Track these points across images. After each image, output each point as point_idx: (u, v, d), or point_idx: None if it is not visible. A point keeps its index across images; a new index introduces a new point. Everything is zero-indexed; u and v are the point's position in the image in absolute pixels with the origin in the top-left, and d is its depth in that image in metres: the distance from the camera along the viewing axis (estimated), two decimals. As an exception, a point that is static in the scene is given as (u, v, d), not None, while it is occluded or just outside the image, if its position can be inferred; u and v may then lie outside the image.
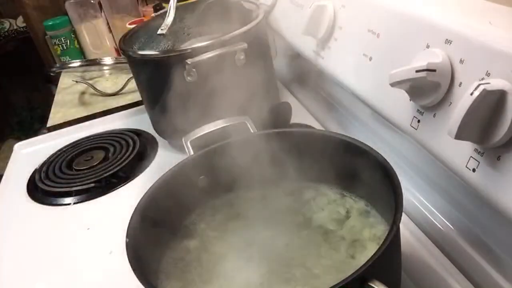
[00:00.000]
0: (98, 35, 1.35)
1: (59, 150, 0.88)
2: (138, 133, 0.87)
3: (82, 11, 1.33)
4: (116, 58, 1.16)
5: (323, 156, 0.50)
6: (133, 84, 1.03)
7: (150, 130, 0.84)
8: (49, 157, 0.86)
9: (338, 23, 0.61)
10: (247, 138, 0.54)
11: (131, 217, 0.44)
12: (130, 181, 0.75)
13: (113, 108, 1.02)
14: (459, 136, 0.36)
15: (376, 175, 0.44)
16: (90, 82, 1.12)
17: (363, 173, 0.47)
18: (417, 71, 0.41)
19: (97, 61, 1.17)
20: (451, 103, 0.41)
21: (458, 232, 0.52)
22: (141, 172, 0.77)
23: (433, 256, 0.50)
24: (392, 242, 0.36)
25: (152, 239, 0.46)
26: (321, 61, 0.66)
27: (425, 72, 0.40)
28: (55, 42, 1.36)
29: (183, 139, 0.56)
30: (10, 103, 2.60)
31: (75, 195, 0.74)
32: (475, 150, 0.38)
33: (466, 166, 0.40)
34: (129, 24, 1.17)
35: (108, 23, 1.32)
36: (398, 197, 0.39)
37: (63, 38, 1.35)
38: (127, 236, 0.42)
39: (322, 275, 0.44)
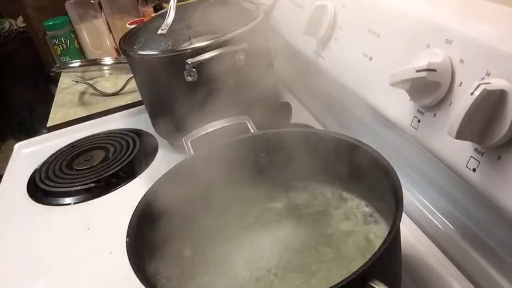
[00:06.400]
0: (98, 35, 1.35)
1: (59, 150, 0.88)
2: (138, 133, 0.87)
3: (82, 11, 1.33)
4: (116, 58, 1.16)
5: (323, 156, 0.50)
6: (133, 84, 1.03)
7: (150, 130, 0.84)
8: (49, 157, 0.86)
9: (338, 23, 0.61)
10: (247, 138, 0.54)
11: (131, 217, 0.44)
12: (130, 181, 0.75)
13: (113, 108, 1.02)
14: (459, 136, 0.36)
15: (377, 175, 0.44)
16: (90, 82, 1.12)
17: (363, 173, 0.47)
18: (417, 71, 0.41)
19: (97, 61, 1.17)
20: (451, 103, 0.41)
21: (458, 232, 0.52)
22: (141, 172, 0.77)
23: (433, 256, 0.50)
24: (392, 241, 0.36)
25: (152, 239, 0.46)
26: (321, 61, 0.66)
27: (425, 72, 0.40)
28: (55, 42, 1.36)
29: (183, 139, 0.56)
30: (10, 103, 2.60)
31: (75, 195, 0.74)
32: (476, 150, 0.38)
33: (467, 166, 0.40)
34: (129, 24, 1.17)
35: (108, 23, 1.32)
36: (398, 197, 0.39)
37: (63, 38, 1.35)
38: (127, 236, 0.42)
39: (321, 274, 0.44)
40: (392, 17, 0.51)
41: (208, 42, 0.67)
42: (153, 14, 1.11)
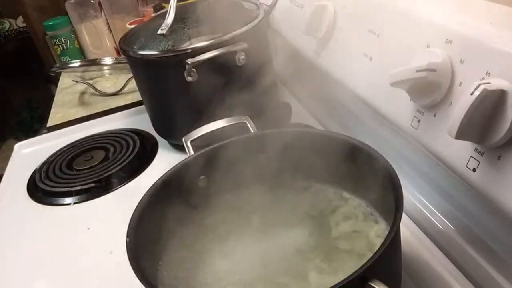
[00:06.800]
0: (98, 35, 1.35)
1: (59, 150, 0.88)
2: (138, 133, 0.87)
3: (82, 11, 1.33)
4: (116, 58, 1.16)
5: (323, 156, 0.50)
6: (133, 84, 1.03)
7: (150, 130, 0.84)
8: (49, 157, 0.86)
9: (338, 23, 0.61)
10: (247, 138, 0.54)
11: (131, 217, 0.44)
12: (130, 181, 0.75)
13: (113, 108, 1.02)
14: (459, 136, 0.36)
15: (376, 175, 0.44)
16: (90, 82, 1.12)
17: (363, 173, 0.47)
18: (417, 71, 0.41)
19: (97, 61, 1.17)
20: (451, 103, 0.41)
21: (458, 232, 0.52)
22: (141, 172, 0.77)
23: (433, 256, 0.50)
24: (393, 241, 0.36)
25: (152, 239, 0.46)
26: (321, 61, 0.66)
27: (425, 72, 0.41)
28: (55, 42, 1.36)
29: (183, 139, 0.56)
30: (10, 103, 2.60)
31: (75, 195, 0.74)
32: (476, 150, 0.38)
33: (467, 166, 0.40)
34: (129, 24, 1.17)
35: (108, 23, 1.32)
36: (398, 197, 0.39)
37: (63, 38, 1.35)
38: (127, 236, 0.42)
39: (322, 273, 0.44)
40: (392, 17, 0.51)
41: (208, 42, 0.67)
42: (153, 14, 1.11)
